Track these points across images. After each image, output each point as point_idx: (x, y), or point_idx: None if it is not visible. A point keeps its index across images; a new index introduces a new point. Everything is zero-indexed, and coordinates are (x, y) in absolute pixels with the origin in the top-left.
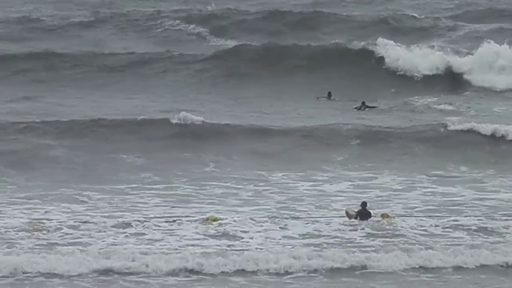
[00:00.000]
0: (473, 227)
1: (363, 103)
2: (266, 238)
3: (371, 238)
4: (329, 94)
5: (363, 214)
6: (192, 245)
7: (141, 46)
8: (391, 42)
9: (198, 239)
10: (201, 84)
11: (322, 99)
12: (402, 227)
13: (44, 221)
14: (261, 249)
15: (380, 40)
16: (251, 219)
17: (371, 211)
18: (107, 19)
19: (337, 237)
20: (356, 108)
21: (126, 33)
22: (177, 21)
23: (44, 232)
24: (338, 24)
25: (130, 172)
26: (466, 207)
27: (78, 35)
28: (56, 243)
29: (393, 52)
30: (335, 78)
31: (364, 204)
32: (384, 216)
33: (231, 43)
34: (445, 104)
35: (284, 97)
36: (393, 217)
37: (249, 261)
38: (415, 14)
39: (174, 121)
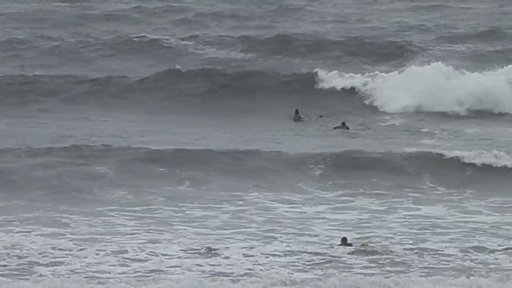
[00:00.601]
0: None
1: (343, 123)
2: (253, 262)
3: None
4: (297, 112)
5: None
6: (176, 266)
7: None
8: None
9: (179, 257)
10: (166, 106)
11: (291, 118)
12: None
13: (20, 245)
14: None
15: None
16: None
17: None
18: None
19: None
20: (335, 127)
21: (103, 52)
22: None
23: (23, 252)
24: (308, 47)
25: (106, 190)
26: (451, 230)
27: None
28: (37, 263)
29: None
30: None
31: (344, 239)
32: (364, 245)
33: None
34: (412, 126)
35: (250, 119)
36: (373, 246)
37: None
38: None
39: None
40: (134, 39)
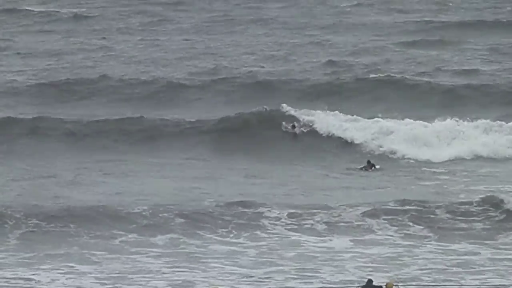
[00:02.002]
0: None
1: (369, 162)
2: None
3: None
4: (293, 126)
5: None
6: None
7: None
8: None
9: None
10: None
11: (288, 129)
12: None
13: None
14: None
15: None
16: None
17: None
18: None
19: None
20: (361, 168)
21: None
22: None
23: None
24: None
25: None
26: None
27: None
28: None
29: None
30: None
31: (369, 281)
32: (388, 286)
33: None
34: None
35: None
36: (397, 286)
37: None
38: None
39: None
40: None
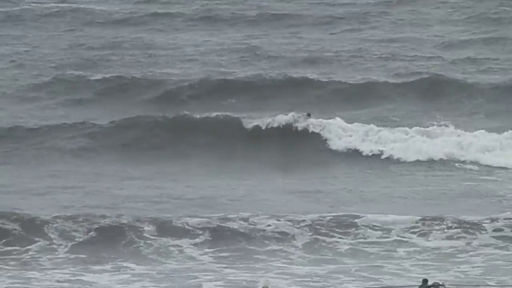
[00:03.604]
0: None
1: None
2: None
3: None
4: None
5: None
6: None
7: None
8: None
9: None
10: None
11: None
12: None
13: None
14: None
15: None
16: None
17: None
18: None
19: None
20: None
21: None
22: None
23: None
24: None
25: None
26: None
27: None
28: None
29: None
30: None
31: (425, 281)
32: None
33: None
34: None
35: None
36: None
37: None
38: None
39: None
40: None
